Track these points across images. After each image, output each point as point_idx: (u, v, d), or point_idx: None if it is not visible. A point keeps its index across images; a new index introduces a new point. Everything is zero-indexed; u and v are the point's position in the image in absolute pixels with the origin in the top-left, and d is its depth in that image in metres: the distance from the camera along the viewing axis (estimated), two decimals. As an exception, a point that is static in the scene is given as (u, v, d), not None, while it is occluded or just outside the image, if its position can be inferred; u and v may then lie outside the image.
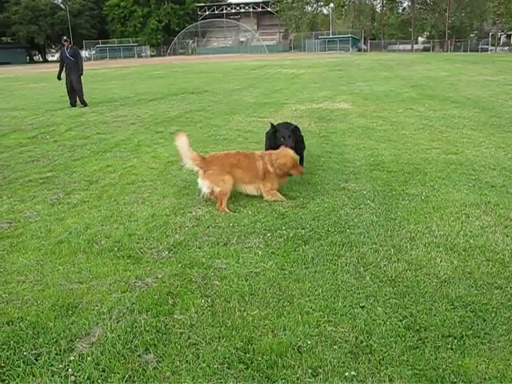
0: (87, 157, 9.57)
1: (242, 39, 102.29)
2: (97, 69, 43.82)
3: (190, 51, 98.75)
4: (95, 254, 5.16)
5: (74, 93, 17.34)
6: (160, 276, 4.63)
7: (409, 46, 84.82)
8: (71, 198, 7.06)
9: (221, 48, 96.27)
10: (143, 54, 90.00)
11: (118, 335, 3.70)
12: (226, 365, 3.34)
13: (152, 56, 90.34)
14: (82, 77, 17.55)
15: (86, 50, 76.78)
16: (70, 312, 4.04)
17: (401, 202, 6.40)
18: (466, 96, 17.13)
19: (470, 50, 68.66)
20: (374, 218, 5.89)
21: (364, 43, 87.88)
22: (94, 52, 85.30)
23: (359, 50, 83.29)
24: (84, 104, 17.24)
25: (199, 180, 6.48)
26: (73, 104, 17.27)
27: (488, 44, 74.17)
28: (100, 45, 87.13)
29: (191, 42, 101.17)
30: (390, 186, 7.00)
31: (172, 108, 15.99)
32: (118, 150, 10.11)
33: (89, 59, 71.86)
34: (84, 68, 17.86)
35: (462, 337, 3.59)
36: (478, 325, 3.73)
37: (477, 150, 9.25)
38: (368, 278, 4.47)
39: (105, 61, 71.82)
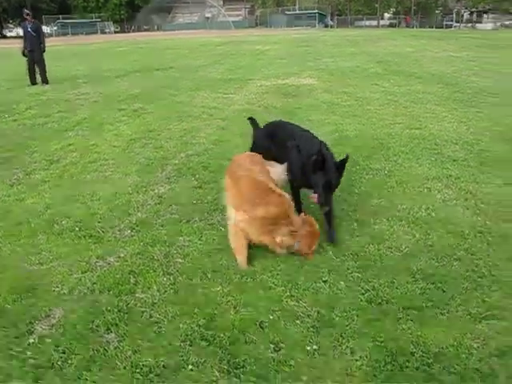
0: (48, 136, 9.33)
1: (207, 15, 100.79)
2: (59, 45, 42.71)
3: (155, 27, 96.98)
4: (56, 235, 5.06)
5: (35, 70, 16.86)
6: (122, 255, 4.58)
7: (375, 22, 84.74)
8: (31, 178, 6.90)
9: (187, 24, 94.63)
10: (107, 30, 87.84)
11: (79, 316, 3.66)
12: (188, 342, 3.33)
13: (116, 32, 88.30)
14: (44, 54, 17.05)
15: (46, 25, 74.43)
16: (30, 294, 3.97)
17: (364, 176, 6.43)
18: (431, 72, 17.24)
19: (435, 27, 68.97)
20: (337, 192, 5.88)
21: (331, 19, 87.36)
22: (55, 28, 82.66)
23: (326, 26, 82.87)
24: (46, 82, 16.76)
25: None
26: (33, 82, 16.79)
27: (452, 21, 74.64)
28: (61, 20, 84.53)
29: (156, 17, 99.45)
30: (353, 161, 7.01)
31: (136, 85, 15.70)
32: (79, 128, 9.89)
33: (50, 35, 69.86)
34: (46, 45, 17.36)
35: (422, 308, 3.65)
36: (437, 296, 3.80)
37: (440, 124, 9.34)
38: (331, 252, 4.49)
39: (67, 37, 70.06)
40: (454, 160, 7.07)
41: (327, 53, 25.81)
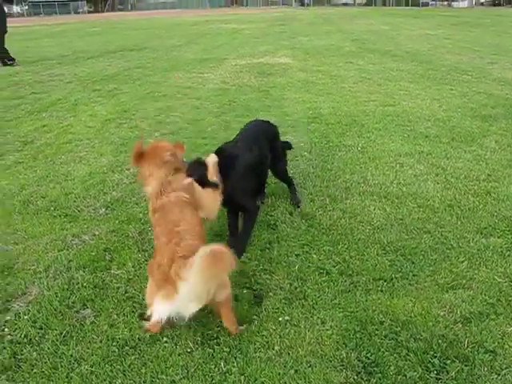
0: (21, 117, 9.24)
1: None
2: (30, 26, 42.05)
3: (129, 7, 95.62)
4: (31, 215, 5.06)
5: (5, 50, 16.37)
6: (97, 233, 4.61)
7: (351, 0, 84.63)
8: (5, 159, 6.84)
9: (161, 3, 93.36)
10: (80, 10, 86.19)
11: (55, 293, 3.69)
12: (163, 316, 3.38)
13: (89, 12, 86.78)
14: (5, 35, 16.46)
15: (16, 4, 72.72)
16: (6, 273, 3.99)
17: (337, 153, 6.50)
18: (406, 50, 17.33)
19: (412, 5, 69.05)
20: (310, 169, 5.97)
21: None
22: (26, 7, 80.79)
23: (302, 5, 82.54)
24: (3, 63, 16.25)
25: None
26: (4, 63, 16.40)
27: (429, -2, 74.85)
28: (33, 0, 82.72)
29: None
30: (327, 138, 7.09)
31: (110, 66, 15.56)
32: (54, 109, 9.80)
33: (21, 15, 68.47)
34: (8, 25, 16.80)
35: (392, 279, 3.75)
36: (406, 267, 3.89)
37: (413, 101, 9.44)
38: (303, 227, 4.56)
39: (39, 17, 68.66)
40: (426, 136, 7.18)
41: (302, 31, 25.76)
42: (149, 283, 3.18)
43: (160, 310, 2.94)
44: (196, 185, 3.75)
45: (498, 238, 4.35)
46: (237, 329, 3.20)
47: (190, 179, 3.70)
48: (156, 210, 3.43)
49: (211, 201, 3.75)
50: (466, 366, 2.87)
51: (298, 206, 4.98)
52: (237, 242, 4.18)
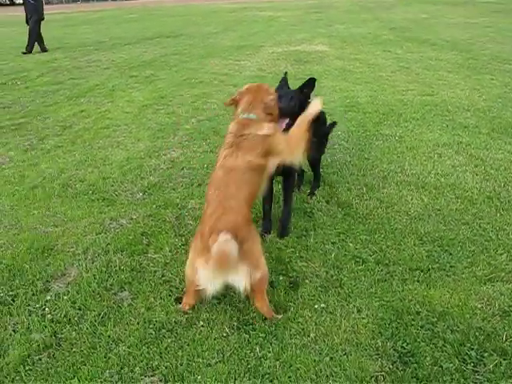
0: (60, 102, 9.41)
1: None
2: (68, 13, 42.56)
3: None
4: (70, 198, 5.17)
5: (40, 37, 16.66)
6: (134, 217, 4.68)
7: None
8: (45, 143, 6.99)
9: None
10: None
11: (93, 275, 3.77)
12: (199, 300, 3.42)
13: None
14: (42, 22, 16.71)
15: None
16: (46, 254, 4.09)
17: (375, 142, 6.45)
18: (445, 38, 16.99)
19: (451, -8, 67.60)
20: (347, 157, 5.94)
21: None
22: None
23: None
24: (29, 51, 16.44)
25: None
26: (43, 49, 16.73)
27: (469, -14, 73.12)
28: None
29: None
30: (364, 127, 7.03)
31: (147, 52, 15.69)
32: (91, 95, 9.95)
33: (60, 2, 69.27)
34: (45, 12, 17.02)
35: (429, 270, 3.72)
36: (444, 258, 3.86)
37: (452, 91, 9.27)
38: (340, 216, 4.55)
39: (77, 4, 69.38)
40: (465, 127, 7.05)
41: (339, 19, 25.46)
42: (190, 252, 3.24)
43: (201, 273, 2.98)
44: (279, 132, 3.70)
45: (539, 230, 4.27)
46: (269, 312, 3.23)
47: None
48: (222, 167, 3.42)
49: (296, 142, 3.59)
50: (504, 359, 2.84)
51: (311, 197, 4.97)
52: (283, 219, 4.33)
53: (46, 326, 3.21)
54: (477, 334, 3.04)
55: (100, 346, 3.04)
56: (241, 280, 2.98)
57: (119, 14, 38.10)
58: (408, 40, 16.62)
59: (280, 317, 3.25)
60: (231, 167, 3.37)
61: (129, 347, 3.02)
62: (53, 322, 3.27)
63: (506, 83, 9.85)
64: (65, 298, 3.50)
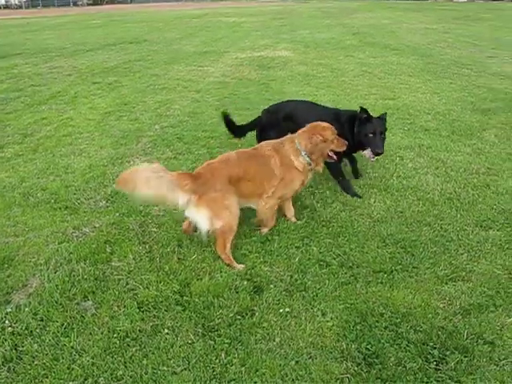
0: (21, 110, 9.23)
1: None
2: (28, 18, 41.77)
3: (128, 0, 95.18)
4: (31, 207, 5.07)
5: None
6: (97, 225, 4.61)
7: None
8: (4, 152, 6.83)
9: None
10: (79, 3, 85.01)
11: (56, 285, 3.70)
12: (164, 308, 3.40)
13: (89, 5, 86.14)
14: None
15: (14, -4, 72.03)
16: (6, 265, 3.99)
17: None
18: (406, 43, 17.31)
19: (412, -2, 68.88)
20: (311, 162, 5.97)
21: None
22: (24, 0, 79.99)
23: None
24: None
25: (191, 209, 3.89)
26: None
27: (429, -8, 74.51)
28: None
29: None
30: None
31: (110, 58, 15.53)
32: (53, 102, 9.80)
33: (19, 7, 68.02)
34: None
35: (392, 271, 3.77)
36: (406, 260, 3.92)
37: (413, 95, 9.45)
38: (304, 220, 4.57)
39: (38, 9, 68.08)
40: (426, 130, 7.19)
41: (302, 25, 25.69)
42: None
43: None
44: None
45: (497, 230, 4.38)
46: (226, 259, 3.85)
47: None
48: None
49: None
50: (465, 357, 2.89)
51: None
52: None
53: (5, 340, 3.13)
54: (439, 333, 3.09)
55: (63, 358, 2.98)
56: (200, 221, 3.83)
57: (81, 20, 37.63)
58: (370, 45, 16.87)
59: (240, 267, 3.80)
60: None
61: (93, 358, 2.97)
62: (13, 334, 3.19)
63: (465, 87, 10.09)
64: (26, 309, 3.42)
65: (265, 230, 4.35)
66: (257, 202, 4.24)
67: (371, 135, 4.94)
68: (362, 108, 4.98)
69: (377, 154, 5.01)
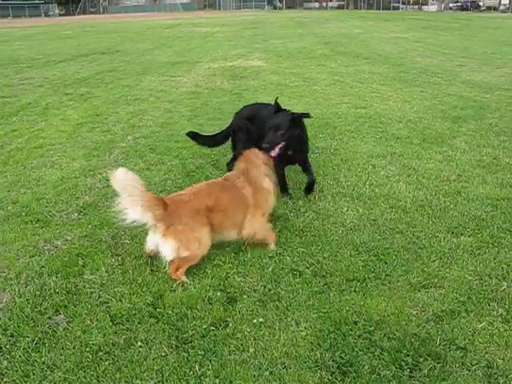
0: (-9, 121, 9.10)
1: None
2: (-1, 28, 41.45)
3: (101, 10, 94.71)
4: (1, 221, 4.98)
5: None
6: (69, 238, 4.55)
7: (324, 4, 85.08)
8: (-26, 164, 6.73)
9: (134, 7, 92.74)
10: (51, 13, 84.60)
11: (27, 299, 3.63)
12: (137, 320, 3.37)
13: (60, 15, 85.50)
14: None
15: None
16: (-25, 280, 3.91)
17: (310, 155, 6.51)
18: (377, 52, 17.53)
19: (383, 8, 69.79)
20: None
21: (279, 0, 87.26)
22: (-6, 9, 78.86)
23: (274, 8, 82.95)
24: None
25: (157, 238, 3.82)
26: None
27: (399, 2, 75.59)
28: (1, 1, 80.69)
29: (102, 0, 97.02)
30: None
31: (82, 69, 15.45)
32: (24, 113, 9.68)
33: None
34: None
35: (365, 279, 3.78)
36: (379, 267, 3.94)
37: (385, 104, 9.56)
38: (277, 229, 4.57)
39: (7, 19, 67.45)
40: (398, 138, 7.27)
41: (275, 34, 25.87)
42: None
43: None
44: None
45: (469, 237, 4.43)
46: (177, 277, 3.82)
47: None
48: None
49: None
50: (438, 363, 2.92)
51: None
52: None
53: (-26, 356, 3.07)
54: (412, 340, 3.11)
55: (34, 374, 2.93)
56: (167, 250, 3.78)
57: (53, 31, 37.39)
58: (342, 54, 17.05)
59: (185, 280, 3.80)
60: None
61: (65, 373, 2.93)
62: (-18, 351, 3.13)
63: (435, 95, 10.25)
64: (-5, 325, 3.37)
65: (272, 247, 4.29)
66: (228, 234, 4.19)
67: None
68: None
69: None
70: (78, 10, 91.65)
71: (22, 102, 10.76)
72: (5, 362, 3.02)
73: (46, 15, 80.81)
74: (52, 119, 9.12)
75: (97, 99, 10.79)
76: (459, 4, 71.16)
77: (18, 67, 16.27)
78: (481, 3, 69.75)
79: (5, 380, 2.89)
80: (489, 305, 3.47)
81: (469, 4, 68.83)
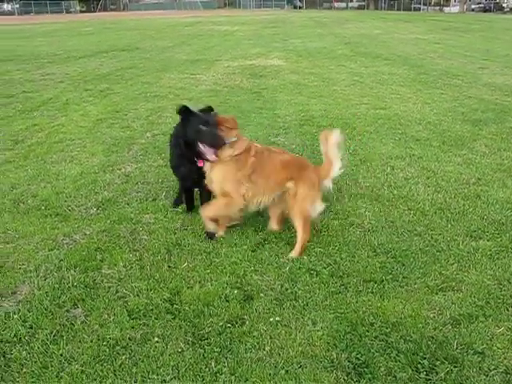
0: (12, 116, 9.20)
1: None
2: (21, 24, 41.81)
3: (121, 7, 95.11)
4: (21, 214, 5.03)
5: None
6: (88, 233, 4.59)
7: (344, 4, 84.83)
8: (-4, 157, 6.81)
9: (154, 4, 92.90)
10: (72, 10, 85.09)
11: (46, 292, 3.67)
12: (154, 316, 3.38)
13: (81, 12, 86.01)
14: None
15: (7, 2, 71.90)
16: (-5, 272, 3.96)
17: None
18: (397, 53, 17.43)
19: (403, 9, 69.47)
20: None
21: (300, 0, 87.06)
22: (17, 6, 79.53)
23: (295, 8, 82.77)
24: None
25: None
26: None
27: (420, 3, 75.18)
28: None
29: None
30: (318, 141, 7.08)
31: (102, 65, 15.55)
32: (45, 108, 9.77)
33: (12, 13, 67.95)
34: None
35: (382, 281, 3.77)
36: (397, 269, 3.92)
37: (404, 105, 9.50)
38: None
39: (30, 16, 68.04)
40: (417, 140, 7.23)
41: (295, 34, 25.82)
42: None
43: None
44: None
45: (488, 240, 4.39)
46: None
47: None
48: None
49: None
50: (455, 367, 2.89)
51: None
52: None
53: (-7, 347, 3.11)
54: (429, 343, 3.09)
55: (52, 366, 2.96)
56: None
57: (74, 27, 37.66)
58: (362, 55, 16.97)
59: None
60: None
61: (82, 365, 2.95)
62: (1, 342, 3.16)
63: (456, 97, 10.16)
64: (15, 316, 3.40)
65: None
66: None
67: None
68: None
69: None
70: (98, 6, 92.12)
71: (43, 97, 10.86)
72: (24, 353, 3.06)
73: (68, 12, 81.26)
74: (72, 114, 9.19)
75: (116, 95, 10.86)
76: (481, 5, 70.60)
77: (39, 63, 16.42)
78: (504, 4, 69.12)
79: (24, 370, 2.92)
80: (507, 310, 3.44)
81: (492, 5, 68.26)
